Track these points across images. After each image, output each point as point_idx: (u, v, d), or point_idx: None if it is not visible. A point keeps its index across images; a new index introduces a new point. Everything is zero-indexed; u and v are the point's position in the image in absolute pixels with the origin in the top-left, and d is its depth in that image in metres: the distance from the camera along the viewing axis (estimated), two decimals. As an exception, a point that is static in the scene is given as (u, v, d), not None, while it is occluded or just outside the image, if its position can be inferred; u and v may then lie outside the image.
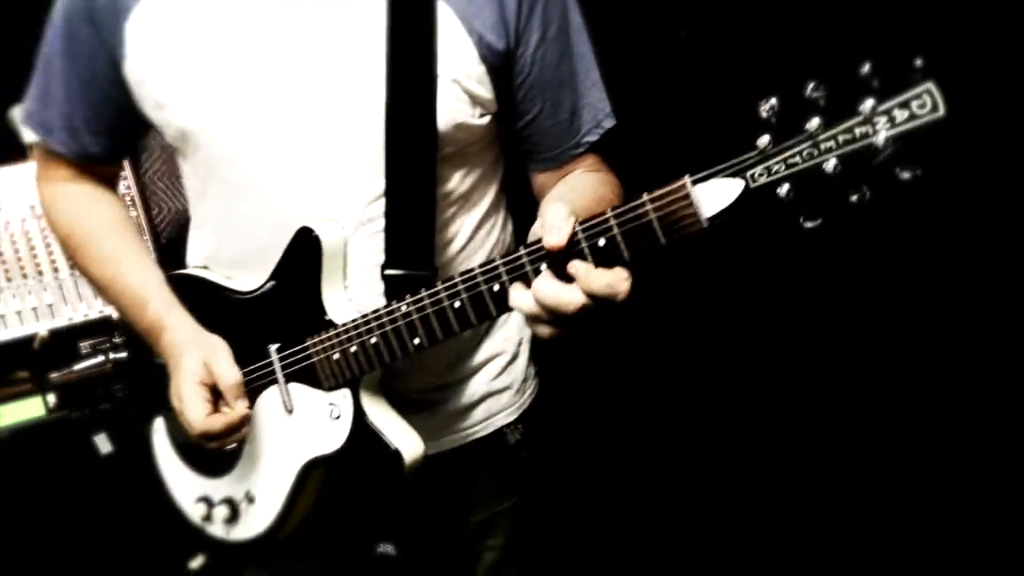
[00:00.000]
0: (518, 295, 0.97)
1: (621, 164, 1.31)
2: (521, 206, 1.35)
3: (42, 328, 1.87)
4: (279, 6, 1.15)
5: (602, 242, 0.92)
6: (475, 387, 1.37)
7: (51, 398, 1.87)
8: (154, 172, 1.97)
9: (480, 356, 1.36)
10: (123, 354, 1.88)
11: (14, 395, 1.84)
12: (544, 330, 0.97)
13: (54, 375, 1.86)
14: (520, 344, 1.42)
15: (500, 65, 1.18)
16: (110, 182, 1.41)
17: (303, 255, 1.19)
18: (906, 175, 0.78)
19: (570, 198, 1.19)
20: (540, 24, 1.17)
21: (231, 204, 1.25)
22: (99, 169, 1.37)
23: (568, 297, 0.93)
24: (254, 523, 1.33)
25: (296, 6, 1.15)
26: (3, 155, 1.94)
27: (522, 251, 0.98)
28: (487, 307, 1.02)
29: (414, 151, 1.16)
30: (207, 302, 1.31)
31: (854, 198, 0.80)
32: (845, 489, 1.88)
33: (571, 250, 0.94)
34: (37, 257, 1.91)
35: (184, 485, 1.41)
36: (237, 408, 1.21)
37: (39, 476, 1.86)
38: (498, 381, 1.39)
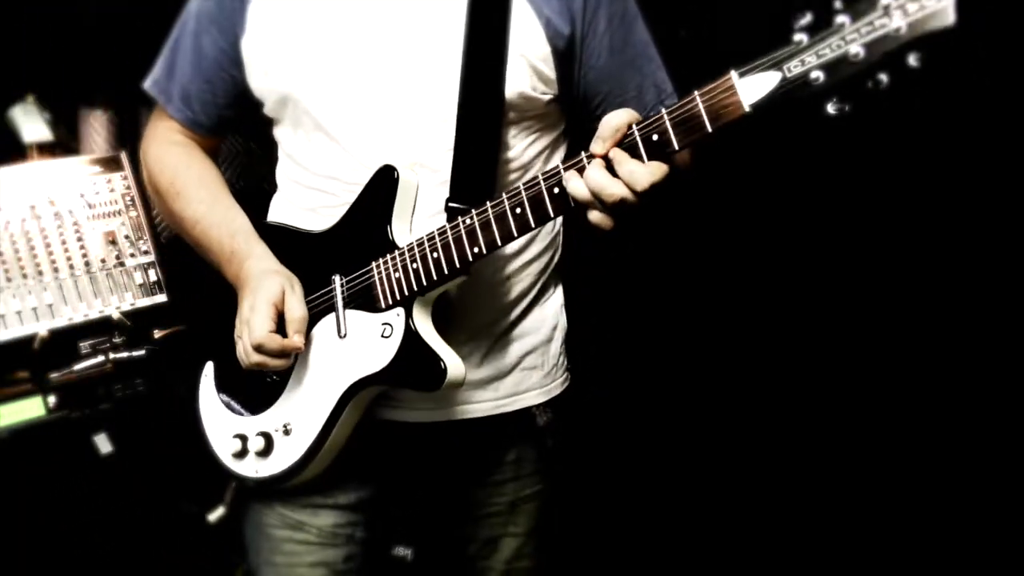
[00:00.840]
0: (573, 181, 1.11)
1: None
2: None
3: (42, 328, 1.87)
4: None
5: (655, 137, 1.07)
6: (510, 356, 1.46)
7: (51, 398, 1.86)
8: None
9: (518, 328, 1.47)
10: (123, 354, 1.93)
11: (14, 395, 1.83)
12: (594, 216, 1.11)
13: (54, 375, 1.88)
14: (555, 329, 1.52)
15: (565, 49, 1.36)
16: (210, 153, 1.59)
17: (381, 189, 1.34)
18: (914, 61, 0.93)
19: None
20: (606, 14, 1.37)
21: (318, 157, 1.42)
22: (202, 139, 1.55)
23: (609, 185, 1.08)
24: (286, 455, 1.38)
25: None
26: (3, 155, 1.98)
27: (583, 154, 1.13)
28: (545, 207, 1.16)
29: (483, 109, 1.33)
30: (283, 244, 1.44)
31: (871, 83, 0.95)
32: (863, 489, 1.86)
33: (623, 143, 1.09)
34: (37, 257, 1.92)
35: (221, 424, 1.47)
36: (294, 339, 1.31)
37: (39, 476, 1.85)
38: (530, 358, 1.48)
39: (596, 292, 1.78)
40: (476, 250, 1.23)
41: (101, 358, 1.92)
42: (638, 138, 1.09)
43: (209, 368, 1.51)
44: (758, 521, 1.98)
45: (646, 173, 1.08)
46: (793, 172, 1.96)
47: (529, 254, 1.45)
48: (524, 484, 1.51)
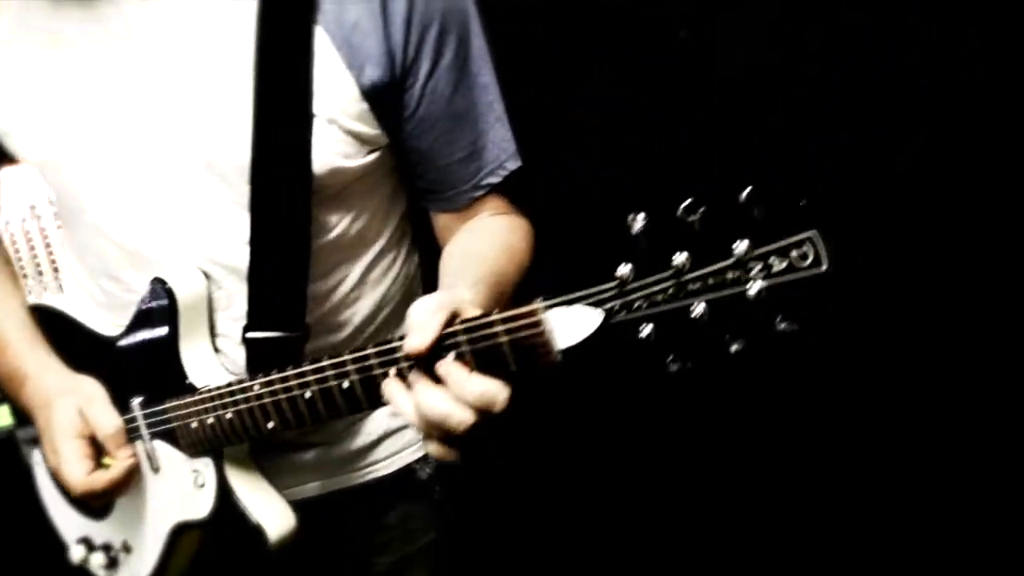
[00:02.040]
0: (398, 399, 0.83)
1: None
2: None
3: None
4: (131, 28, 0.99)
5: (451, 357, 0.79)
6: (373, 425, 1.26)
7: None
8: None
9: None
10: None
11: None
12: (432, 447, 0.83)
13: None
14: None
15: (386, 100, 1.02)
16: None
17: (159, 309, 1.07)
18: (784, 327, 0.64)
19: (472, 255, 1.05)
20: (432, 53, 1.01)
21: (88, 242, 1.13)
22: None
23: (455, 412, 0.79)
24: (132, 573, 1.25)
25: (150, 30, 0.99)
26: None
27: (370, 350, 0.85)
28: (336, 403, 0.90)
29: (284, 197, 1.02)
30: (73, 341, 1.20)
31: (731, 347, 0.67)
32: (829, 496, 1.81)
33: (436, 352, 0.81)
34: (37, 257, 1.86)
35: (67, 523, 1.32)
36: (120, 459, 1.11)
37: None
38: (398, 419, 1.28)
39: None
40: (271, 425, 0.99)
41: None
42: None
43: (39, 457, 1.33)
44: (732, 530, 1.90)
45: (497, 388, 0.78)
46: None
47: (375, 296, 1.19)
48: (414, 537, 1.38)
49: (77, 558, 1.29)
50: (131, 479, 1.13)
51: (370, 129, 1.03)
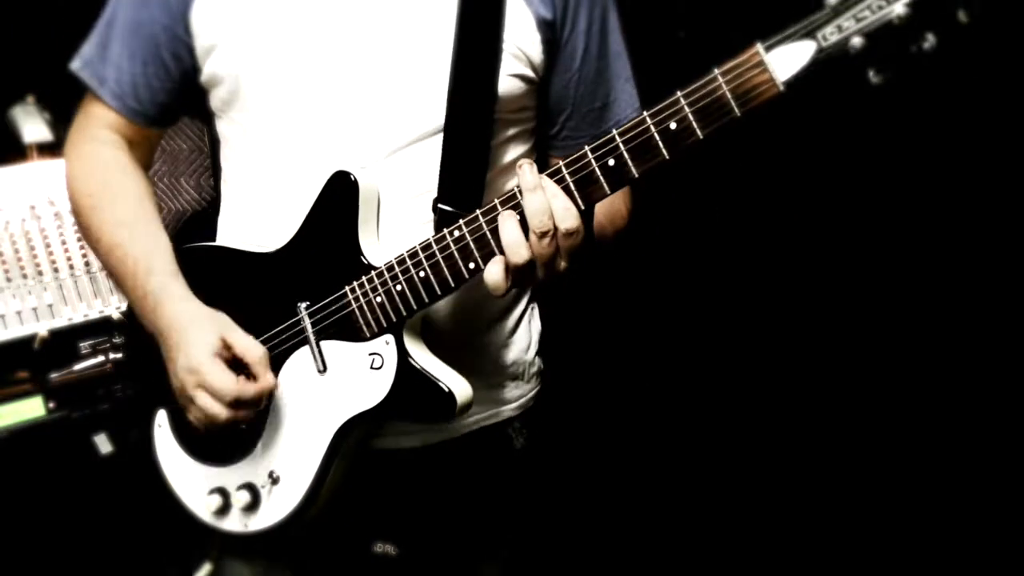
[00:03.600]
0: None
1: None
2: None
3: (42, 328, 1.84)
4: None
5: (673, 125, 0.95)
6: (490, 367, 1.34)
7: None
8: (154, 172, 1.94)
9: (499, 337, 1.35)
10: (123, 354, 1.83)
11: (14, 395, 1.82)
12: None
13: (54, 375, 1.84)
14: (531, 336, 1.40)
15: (551, 37, 1.22)
16: (145, 158, 1.37)
17: (338, 200, 1.17)
18: (963, 16, 0.84)
19: None
20: (586, 14, 1.24)
21: (274, 158, 1.23)
22: (142, 133, 1.33)
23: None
24: (279, 506, 1.24)
25: None
26: (3, 155, 1.94)
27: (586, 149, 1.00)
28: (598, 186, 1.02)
29: (475, 101, 1.18)
30: (223, 270, 1.26)
31: (921, 46, 0.85)
32: (841, 492, 1.87)
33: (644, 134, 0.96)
34: (37, 257, 1.90)
35: (193, 480, 1.30)
36: (268, 378, 1.15)
37: (39, 476, 1.84)
38: (511, 368, 1.37)
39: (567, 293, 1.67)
40: (473, 265, 1.09)
41: (101, 358, 1.89)
42: (653, 130, 0.96)
43: (162, 417, 1.33)
44: (745, 529, 1.96)
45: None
46: (774, 170, 1.87)
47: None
48: (500, 528, 1.42)
49: (211, 509, 1.27)
50: (263, 404, 1.18)
51: (538, 57, 1.22)
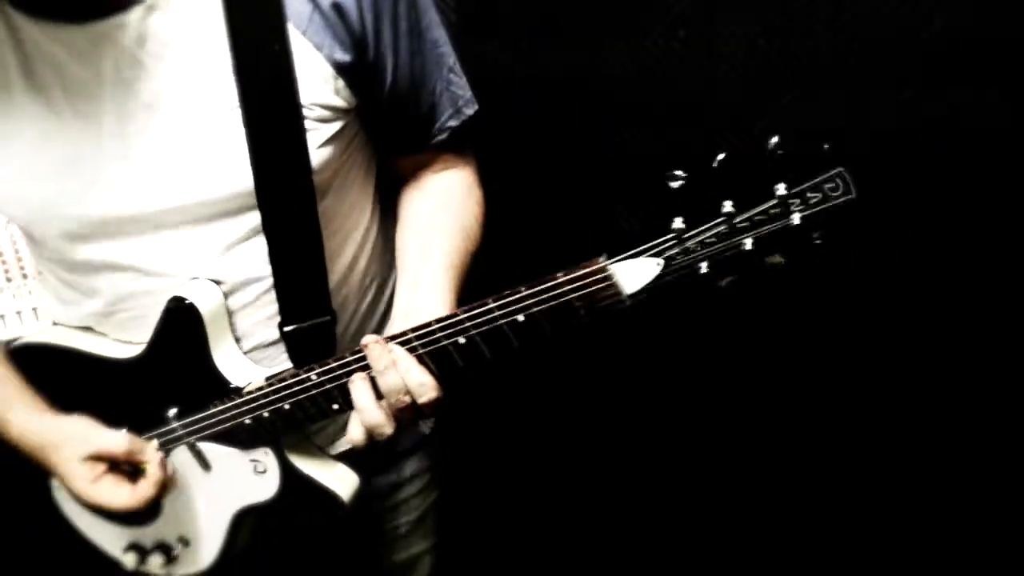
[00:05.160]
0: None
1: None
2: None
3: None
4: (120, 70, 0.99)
5: (521, 318, 0.91)
6: None
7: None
8: None
9: None
10: None
11: None
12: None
13: None
14: None
15: (356, 73, 1.07)
16: None
17: (182, 327, 1.10)
18: (819, 241, 0.79)
19: (430, 243, 1.16)
20: (390, 25, 1.06)
21: (82, 284, 1.13)
22: None
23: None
24: (194, 562, 1.32)
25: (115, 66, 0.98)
26: None
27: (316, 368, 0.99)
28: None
29: (289, 189, 1.06)
30: (72, 374, 1.21)
31: (770, 262, 0.81)
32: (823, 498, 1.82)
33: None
34: (22, 260, 1.76)
35: (108, 537, 1.36)
36: (152, 461, 1.16)
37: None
38: None
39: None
40: (337, 407, 1.07)
41: None
42: (501, 321, 0.91)
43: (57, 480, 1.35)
44: (732, 533, 1.89)
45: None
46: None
47: (370, 272, 1.27)
48: (427, 494, 1.48)
49: (131, 564, 1.35)
50: (170, 476, 1.19)
51: (347, 101, 1.07)
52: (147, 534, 1.32)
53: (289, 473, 1.17)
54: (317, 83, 1.03)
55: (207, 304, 1.10)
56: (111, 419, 1.18)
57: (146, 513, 1.28)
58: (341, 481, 1.19)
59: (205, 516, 1.26)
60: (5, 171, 1.01)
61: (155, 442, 1.18)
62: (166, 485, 1.18)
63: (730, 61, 1.32)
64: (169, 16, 0.97)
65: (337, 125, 1.08)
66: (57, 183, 1.02)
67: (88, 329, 1.22)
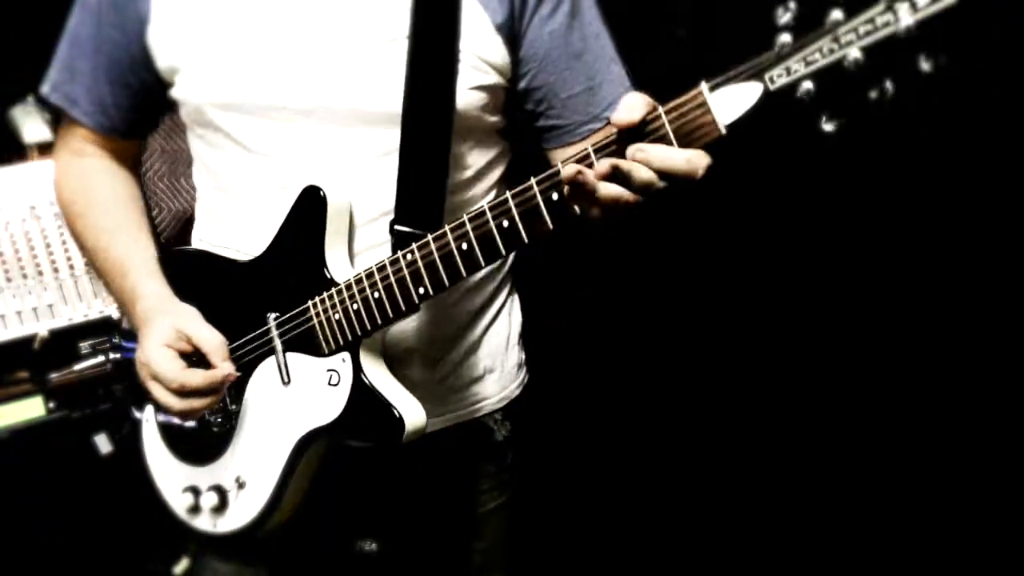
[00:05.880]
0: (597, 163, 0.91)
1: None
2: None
3: (42, 328, 1.86)
4: None
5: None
6: (467, 366, 1.32)
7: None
8: (154, 172, 1.97)
9: (475, 337, 1.32)
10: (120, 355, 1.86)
11: (14, 395, 1.84)
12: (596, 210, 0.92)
13: (54, 375, 1.86)
14: (511, 332, 1.38)
15: (514, 34, 1.19)
16: (129, 160, 1.40)
17: (308, 214, 1.17)
18: (926, 66, 0.76)
19: None
20: (550, 2, 1.19)
21: (238, 173, 1.24)
22: (120, 144, 1.36)
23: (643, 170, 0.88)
24: (244, 511, 1.25)
25: None
26: (3, 155, 1.95)
27: (532, 180, 0.96)
28: (495, 246, 0.99)
29: (432, 110, 1.15)
30: (206, 275, 1.28)
31: (875, 94, 0.78)
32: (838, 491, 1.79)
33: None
34: (37, 257, 1.91)
35: (172, 476, 1.34)
36: (222, 367, 1.16)
37: (39, 476, 1.86)
38: (488, 364, 1.35)
39: (550, 281, 1.61)
40: (422, 291, 1.07)
41: (101, 358, 1.90)
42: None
43: (149, 412, 1.37)
44: (739, 526, 1.89)
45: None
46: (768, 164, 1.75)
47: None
48: (485, 500, 1.40)
49: (184, 508, 1.30)
50: (222, 390, 1.18)
51: (502, 60, 1.18)
52: (208, 475, 1.29)
53: (360, 384, 1.13)
54: (478, 36, 1.16)
55: (335, 200, 1.16)
56: (225, 319, 1.22)
57: (211, 446, 1.27)
58: (407, 408, 1.13)
59: (269, 448, 1.22)
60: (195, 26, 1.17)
61: (231, 365, 1.18)
62: (221, 388, 1.17)
63: None
64: None
65: (490, 79, 1.19)
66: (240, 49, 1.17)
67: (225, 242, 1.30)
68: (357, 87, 1.16)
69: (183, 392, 1.15)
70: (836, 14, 0.78)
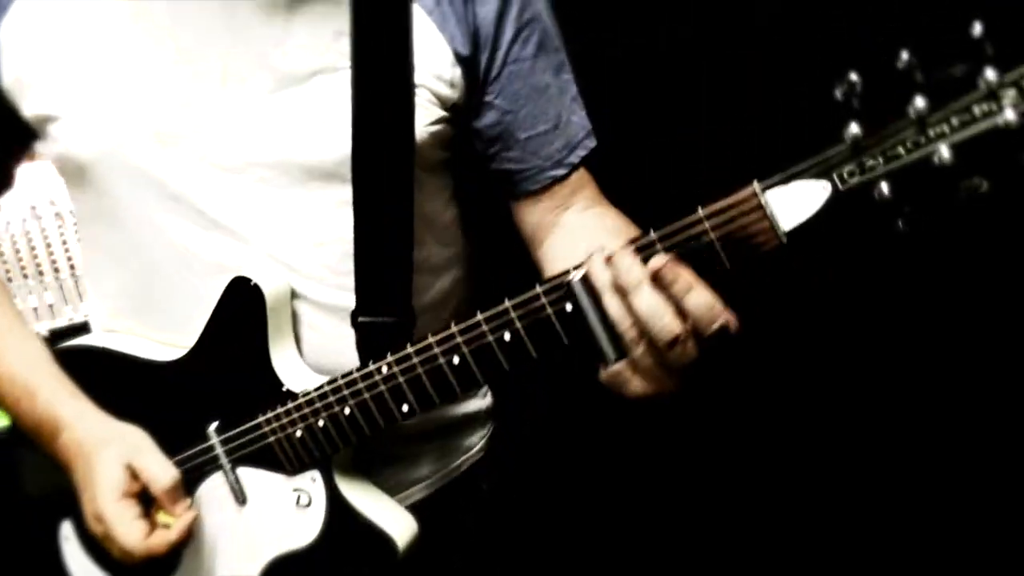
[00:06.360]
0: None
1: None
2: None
3: (42, 328, 1.87)
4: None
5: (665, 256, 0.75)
6: (449, 419, 1.17)
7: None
8: None
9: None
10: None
11: None
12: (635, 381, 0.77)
13: None
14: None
15: (474, 65, 0.99)
16: None
17: (241, 311, 0.97)
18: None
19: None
20: (515, 23, 0.99)
21: (140, 249, 1.01)
22: None
23: (662, 308, 0.72)
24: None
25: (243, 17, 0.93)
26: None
27: (539, 288, 0.79)
28: (494, 360, 0.83)
29: (389, 159, 0.95)
30: (116, 379, 1.06)
31: (965, 191, 0.65)
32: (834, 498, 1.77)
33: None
34: (37, 257, 1.91)
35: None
36: (180, 518, 0.98)
37: (39, 475, 1.69)
38: (470, 412, 1.20)
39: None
40: (406, 408, 0.90)
41: None
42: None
43: (68, 529, 1.16)
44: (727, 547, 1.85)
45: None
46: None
47: (448, 277, 1.12)
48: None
49: None
50: (190, 533, 1.00)
51: (459, 95, 0.99)
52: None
53: (337, 506, 0.97)
54: (434, 65, 0.96)
55: (272, 290, 0.96)
56: (154, 431, 1.02)
57: (157, 570, 1.09)
58: (396, 523, 0.98)
59: (232, 569, 1.05)
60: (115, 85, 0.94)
61: (187, 502, 1.00)
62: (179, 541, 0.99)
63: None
64: None
65: (445, 115, 0.99)
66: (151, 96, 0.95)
67: (132, 334, 1.08)
68: (295, 134, 0.95)
69: (145, 557, 0.96)
70: (920, 102, 0.64)
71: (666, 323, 0.71)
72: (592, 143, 1.08)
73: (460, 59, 0.97)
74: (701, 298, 0.71)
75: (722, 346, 0.72)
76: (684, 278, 0.71)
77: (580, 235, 1.05)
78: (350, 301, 0.98)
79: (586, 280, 0.75)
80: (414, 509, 1.10)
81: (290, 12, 0.94)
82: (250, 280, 0.95)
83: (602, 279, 0.74)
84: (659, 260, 0.72)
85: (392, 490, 1.06)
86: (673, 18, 1.37)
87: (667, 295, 0.71)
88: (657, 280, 0.71)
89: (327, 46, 0.95)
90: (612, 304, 0.74)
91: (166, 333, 1.04)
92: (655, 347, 0.72)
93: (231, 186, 0.96)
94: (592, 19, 1.39)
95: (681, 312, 0.71)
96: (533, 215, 1.09)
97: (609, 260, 0.74)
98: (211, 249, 0.98)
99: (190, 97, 0.94)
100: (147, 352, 1.05)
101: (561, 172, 1.07)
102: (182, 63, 0.94)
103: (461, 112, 1.01)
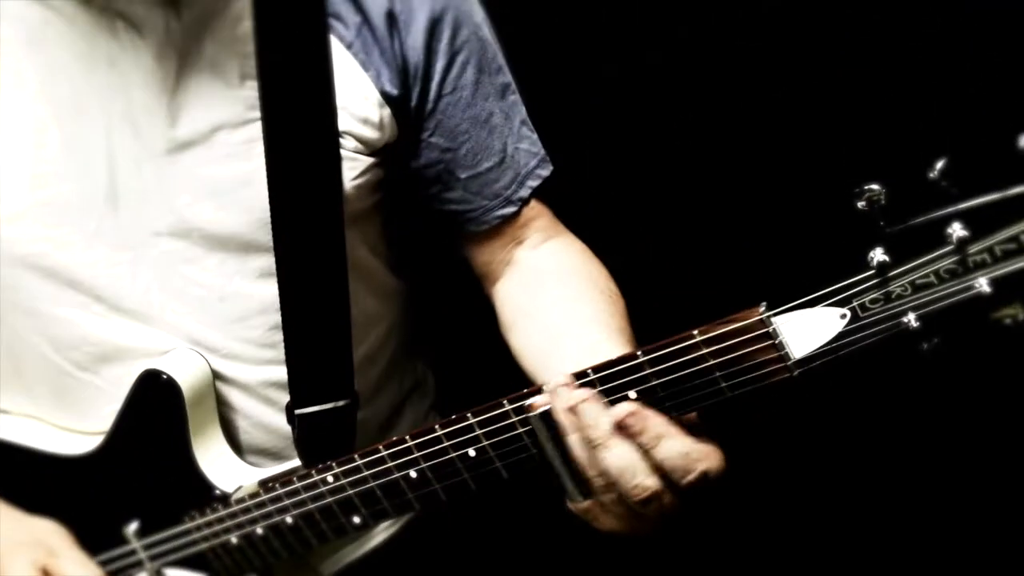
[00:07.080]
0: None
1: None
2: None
3: None
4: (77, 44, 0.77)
5: (633, 395, 0.65)
6: None
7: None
8: None
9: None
10: None
11: None
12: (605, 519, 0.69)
13: None
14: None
15: (404, 103, 0.85)
16: None
17: (157, 409, 0.84)
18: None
19: (563, 331, 0.86)
20: (447, 48, 0.85)
21: (26, 339, 0.87)
22: None
23: (634, 465, 0.64)
24: None
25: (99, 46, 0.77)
26: None
27: (507, 405, 0.69)
28: (454, 474, 0.73)
29: (315, 230, 0.82)
30: (26, 472, 0.93)
31: (1008, 321, 0.57)
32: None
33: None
34: None
35: None
36: None
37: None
38: None
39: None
40: (358, 520, 0.80)
41: None
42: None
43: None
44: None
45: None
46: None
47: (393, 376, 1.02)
48: None
49: None
50: None
51: (389, 136, 0.85)
52: None
53: (282, 614, 0.87)
54: (358, 108, 0.82)
55: (190, 379, 0.83)
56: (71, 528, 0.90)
57: None
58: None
59: None
60: None
61: None
62: None
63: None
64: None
65: (377, 159, 0.86)
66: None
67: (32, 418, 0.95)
68: (199, 199, 0.81)
69: None
70: (958, 228, 0.54)
71: (638, 482, 0.63)
72: (545, 171, 0.96)
73: (388, 99, 0.83)
74: (675, 448, 0.63)
75: (707, 492, 0.64)
76: (653, 427, 0.63)
77: (536, 284, 0.94)
78: (280, 373, 0.86)
79: (547, 417, 0.66)
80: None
81: (183, 58, 0.78)
82: (162, 374, 0.82)
83: (565, 423, 0.65)
84: (624, 408, 0.63)
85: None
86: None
87: (637, 445, 0.63)
88: (623, 429, 0.62)
89: (229, 94, 0.80)
90: (577, 451, 0.66)
91: (62, 416, 0.91)
92: (626, 501, 0.64)
93: (129, 264, 0.82)
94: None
95: (654, 463, 0.63)
96: (482, 254, 0.98)
97: (573, 410, 0.65)
98: (108, 333, 0.84)
99: (76, 171, 0.79)
100: (52, 443, 0.91)
101: (510, 210, 0.94)
102: (68, 142, 0.79)
103: (393, 154, 0.88)
